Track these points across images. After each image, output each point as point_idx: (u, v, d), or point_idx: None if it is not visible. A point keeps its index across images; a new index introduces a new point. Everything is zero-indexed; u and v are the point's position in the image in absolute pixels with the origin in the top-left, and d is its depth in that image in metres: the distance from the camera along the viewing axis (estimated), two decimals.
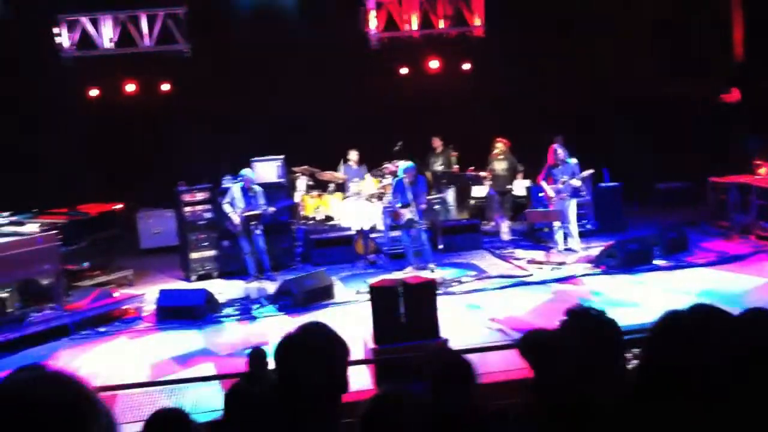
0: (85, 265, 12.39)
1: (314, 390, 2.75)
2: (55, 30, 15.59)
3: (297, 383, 2.76)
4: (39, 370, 1.54)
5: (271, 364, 4.88)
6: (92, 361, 9.15)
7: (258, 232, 12.14)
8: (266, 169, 13.97)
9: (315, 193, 15.20)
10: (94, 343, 10.11)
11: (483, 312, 10.19)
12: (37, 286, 10.86)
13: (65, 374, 1.51)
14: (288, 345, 2.85)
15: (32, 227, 11.25)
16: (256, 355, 6.51)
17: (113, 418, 1.49)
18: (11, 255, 10.09)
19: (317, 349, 2.81)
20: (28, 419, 1.37)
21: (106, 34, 15.80)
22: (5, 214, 11.67)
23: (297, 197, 14.91)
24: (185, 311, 10.72)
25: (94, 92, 16.51)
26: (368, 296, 8.37)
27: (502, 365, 6.83)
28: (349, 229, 13.96)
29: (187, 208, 13.30)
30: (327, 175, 15.25)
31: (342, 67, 16.30)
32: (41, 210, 12.22)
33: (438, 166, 15.96)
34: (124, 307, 11.35)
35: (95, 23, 15.79)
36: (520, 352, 3.37)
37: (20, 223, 11.51)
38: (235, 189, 12.29)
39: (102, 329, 10.57)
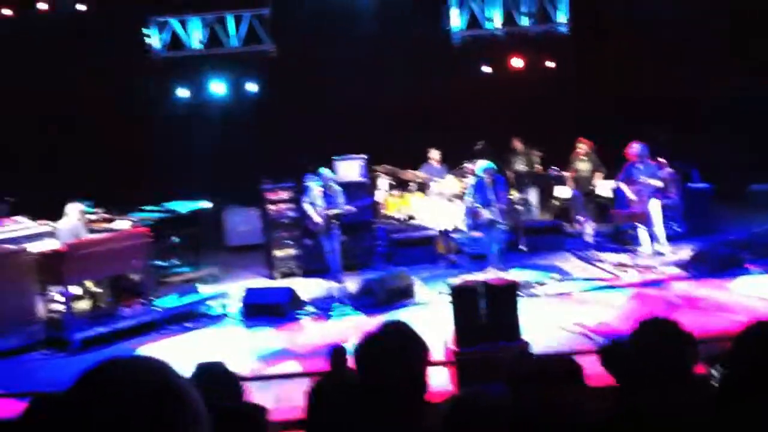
0: (174, 261, 12.73)
1: (394, 389, 2.76)
2: (146, 31, 16.08)
3: (377, 382, 2.77)
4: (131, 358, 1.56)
5: (352, 363, 4.91)
6: (179, 357, 9.35)
7: (336, 231, 12.11)
8: (348, 168, 14.05)
9: (396, 192, 15.22)
10: (181, 339, 10.40)
11: (565, 315, 10.02)
12: (128, 282, 11.21)
13: (156, 360, 1.53)
14: (368, 343, 2.86)
15: (124, 223, 11.63)
16: (337, 353, 6.56)
17: (202, 408, 1.50)
18: (104, 251, 10.44)
19: (397, 348, 2.81)
20: (118, 400, 1.40)
21: (195, 35, 16.21)
22: (99, 210, 12.10)
23: (378, 196, 14.96)
24: (270, 309, 10.90)
25: (183, 92, 16.91)
26: (449, 297, 8.34)
27: (586, 370, 6.70)
28: (430, 228, 13.94)
29: (272, 206, 13.52)
30: (408, 174, 15.26)
31: (424, 66, 16.29)
32: (132, 207, 12.60)
33: (519, 166, 15.80)
34: (210, 304, 11.61)
35: (184, 24, 16.22)
36: (601, 363, 3.32)
37: (112, 220, 11.92)
38: (314, 188, 12.36)
39: (189, 325, 10.84)
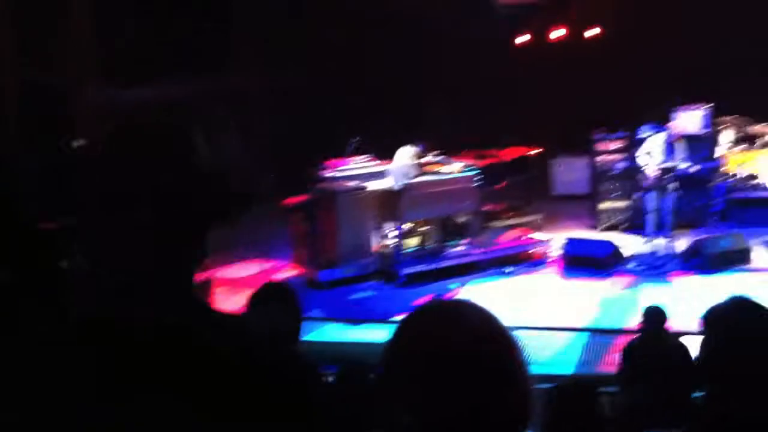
0: (500, 206, 12.96)
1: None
2: None
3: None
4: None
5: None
6: (497, 300, 9.53)
7: (671, 188, 11.31)
8: (688, 119, 13.07)
9: (740, 147, 13.90)
10: (500, 282, 10.66)
11: None
12: (455, 223, 11.68)
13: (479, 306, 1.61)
14: (714, 317, 2.68)
15: (454, 167, 12.04)
16: (652, 312, 6.38)
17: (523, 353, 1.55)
18: (436, 192, 10.99)
19: (742, 326, 2.59)
20: (442, 341, 1.49)
21: None
22: (434, 153, 12.63)
23: (719, 151, 13.80)
24: (590, 261, 10.75)
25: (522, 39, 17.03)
26: None
27: None
28: None
29: (601, 157, 13.20)
30: (757, 128, 13.87)
31: None
32: (467, 150, 12.94)
33: None
34: (531, 251, 11.71)
35: None
36: None
37: (444, 163, 12.38)
38: (655, 140, 11.68)
39: (508, 269, 11.06)
